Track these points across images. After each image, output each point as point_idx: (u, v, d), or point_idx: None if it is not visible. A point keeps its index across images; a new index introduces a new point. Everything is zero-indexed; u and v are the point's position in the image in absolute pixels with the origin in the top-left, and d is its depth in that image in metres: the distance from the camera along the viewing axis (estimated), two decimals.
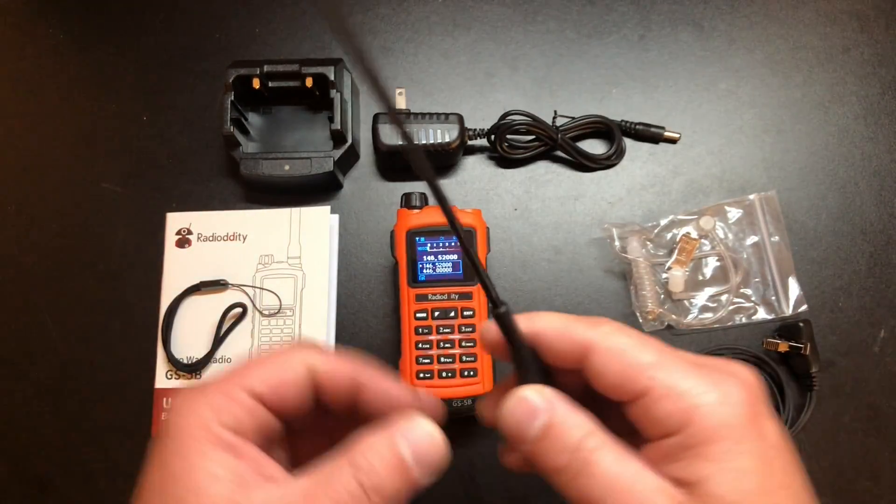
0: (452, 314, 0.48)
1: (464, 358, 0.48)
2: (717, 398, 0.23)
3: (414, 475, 0.25)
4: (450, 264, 0.49)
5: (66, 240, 0.57)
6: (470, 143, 0.57)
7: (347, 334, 0.54)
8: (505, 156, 0.56)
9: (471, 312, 0.48)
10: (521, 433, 0.25)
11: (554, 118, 0.57)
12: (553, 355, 0.27)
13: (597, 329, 0.26)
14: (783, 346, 0.52)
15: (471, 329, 0.48)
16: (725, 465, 0.22)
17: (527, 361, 0.27)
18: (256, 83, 0.54)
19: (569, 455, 0.24)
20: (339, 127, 0.53)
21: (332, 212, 0.56)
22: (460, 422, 0.52)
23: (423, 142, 0.54)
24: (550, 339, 0.27)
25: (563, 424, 0.25)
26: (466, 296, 0.49)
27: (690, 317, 0.54)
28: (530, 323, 0.27)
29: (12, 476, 0.53)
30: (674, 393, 0.24)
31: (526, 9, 0.61)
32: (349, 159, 0.57)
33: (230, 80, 0.53)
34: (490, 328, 0.28)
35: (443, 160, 0.56)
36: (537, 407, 0.25)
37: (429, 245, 0.50)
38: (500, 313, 0.27)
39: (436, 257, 0.49)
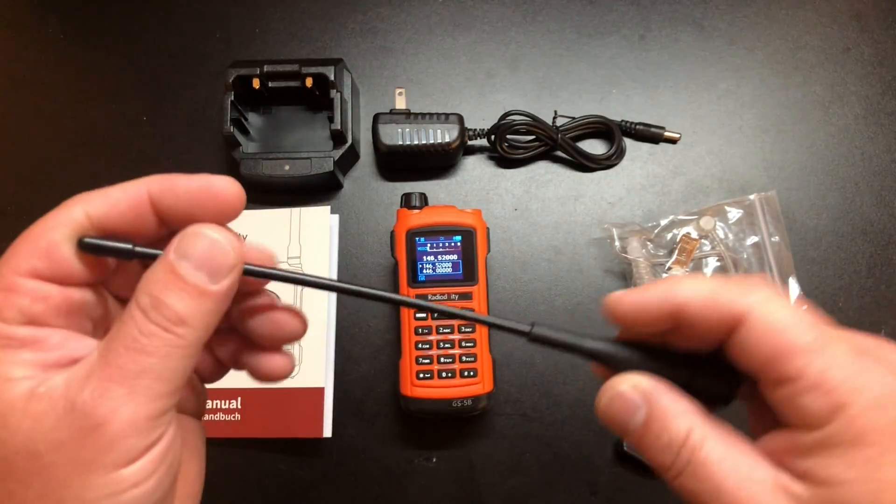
0: None
1: (463, 358, 0.48)
2: (874, 399, 0.21)
3: (203, 286, 0.22)
4: (449, 265, 0.49)
5: None
6: (470, 143, 0.57)
7: (347, 334, 0.54)
8: (505, 156, 0.56)
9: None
10: (621, 429, 0.24)
11: (554, 118, 0.57)
12: (692, 330, 0.24)
13: (752, 295, 0.22)
14: None
15: (471, 329, 0.48)
16: (868, 473, 0.20)
17: (613, 348, 0.25)
18: (256, 83, 0.54)
19: (674, 452, 0.23)
20: (339, 127, 0.53)
21: (332, 212, 0.56)
22: (460, 422, 0.52)
23: (423, 142, 0.54)
24: (695, 311, 0.23)
25: (664, 420, 0.23)
26: (466, 296, 0.49)
27: None
28: (669, 294, 0.24)
29: None
30: (827, 385, 0.21)
31: (526, 9, 0.61)
32: (349, 159, 0.57)
33: (230, 80, 0.53)
34: (619, 301, 0.25)
35: (443, 160, 0.56)
36: (634, 402, 0.24)
37: (429, 245, 0.50)
38: (536, 335, 0.25)
39: (435, 257, 0.49)
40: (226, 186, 0.26)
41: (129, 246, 0.23)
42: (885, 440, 0.21)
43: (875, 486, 0.20)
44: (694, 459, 0.23)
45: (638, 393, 0.24)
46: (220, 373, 0.30)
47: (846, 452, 0.21)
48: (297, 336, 0.28)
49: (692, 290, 0.23)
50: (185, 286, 0.22)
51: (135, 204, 0.24)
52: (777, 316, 0.22)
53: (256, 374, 0.28)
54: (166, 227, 0.25)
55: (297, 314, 0.28)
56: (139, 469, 0.21)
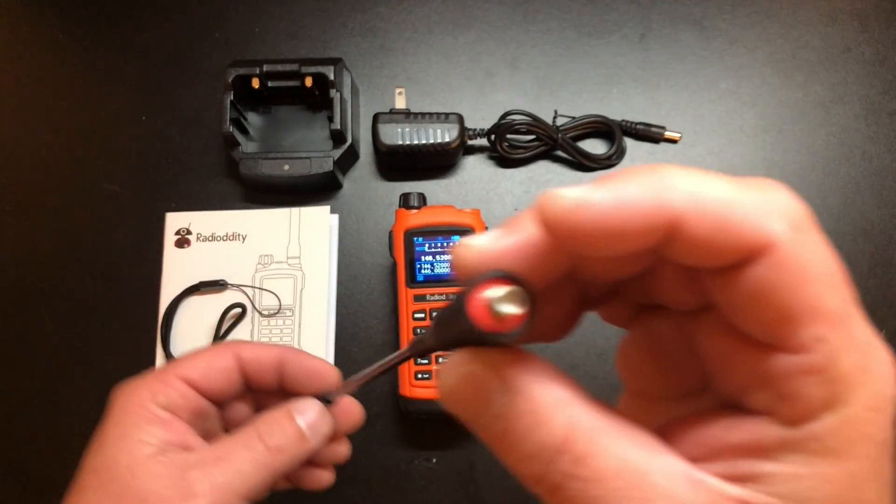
0: None
1: None
2: (871, 400, 0.16)
3: (308, 439, 0.32)
4: (448, 265, 0.49)
5: (65, 240, 0.56)
6: (470, 142, 0.56)
7: (347, 334, 0.54)
8: (505, 156, 0.56)
9: None
10: (472, 426, 0.18)
11: (554, 118, 0.57)
12: (674, 256, 0.16)
13: (778, 219, 0.15)
14: None
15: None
16: (848, 494, 0.16)
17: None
18: (256, 83, 0.54)
19: (545, 460, 0.17)
20: (338, 127, 0.53)
21: (332, 212, 0.56)
22: (460, 422, 0.52)
23: (423, 141, 0.54)
24: (695, 231, 0.15)
25: (532, 414, 0.17)
26: None
27: None
28: (661, 198, 0.15)
29: (9, 477, 0.52)
30: (835, 372, 0.15)
31: (526, 8, 0.61)
32: (349, 159, 0.57)
33: (229, 80, 0.53)
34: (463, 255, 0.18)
35: (443, 160, 0.56)
36: (487, 387, 0.17)
37: (427, 245, 0.49)
38: (422, 347, 0.21)
39: (434, 258, 0.49)
40: (330, 374, 0.36)
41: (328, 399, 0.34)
42: (873, 455, 0.16)
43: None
44: (577, 471, 0.16)
45: (494, 373, 0.17)
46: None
47: (827, 462, 0.16)
48: (345, 458, 0.38)
49: (694, 196, 0.15)
50: (300, 437, 0.32)
51: (269, 366, 0.35)
52: (808, 258, 0.15)
53: (301, 484, 0.37)
54: (252, 383, 0.35)
55: (348, 443, 0.38)
56: None
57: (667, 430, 0.18)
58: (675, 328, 0.20)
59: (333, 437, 0.35)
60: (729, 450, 0.16)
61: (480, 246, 0.17)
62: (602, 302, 0.21)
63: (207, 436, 0.34)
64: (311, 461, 0.36)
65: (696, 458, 0.17)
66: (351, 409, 0.36)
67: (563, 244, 0.16)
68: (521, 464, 0.17)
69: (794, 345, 0.15)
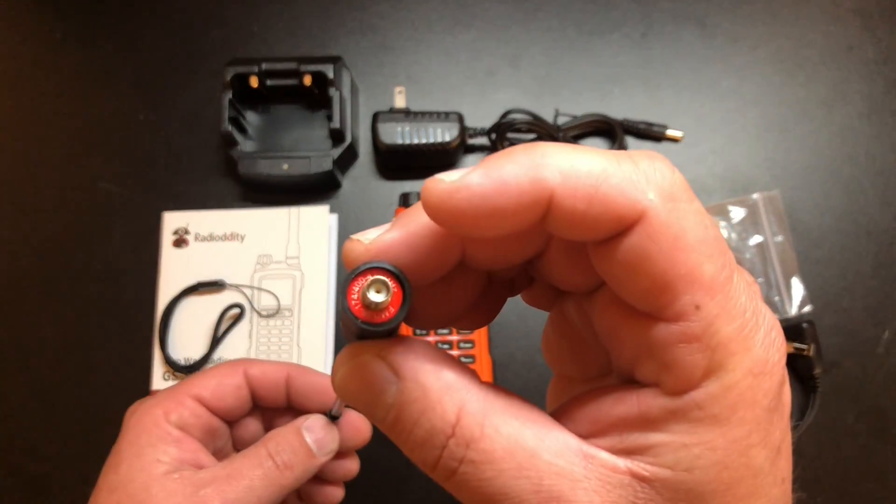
0: None
1: (462, 359, 0.47)
2: (751, 366, 0.16)
3: (315, 455, 0.33)
4: None
5: (63, 239, 0.56)
6: (470, 141, 0.56)
7: None
8: None
9: None
10: (369, 417, 0.18)
11: (555, 117, 0.56)
12: (552, 230, 0.16)
13: (650, 188, 0.15)
14: (787, 348, 0.51)
15: (468, 330, 0.48)
16: (732, 459, 0.16)
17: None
18: (255, 81, 0.53)
19: (438, 446, 0.16)
20: (338, 126, 0.53)
21: (331, 211, 0.56)
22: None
23: (423, 141, 0.53)
24: (567, 205, 0.15)
25: (422, 401, 0.16)
26: None
27: None
28: (536, 174, 0.15)
29: (7, 477, 0.52)
30: (715, 339, 0.15)
31: (527, 7, 0.60)
32: (348, 158, 0.56)
33: (228, 79, 0.53)
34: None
35: (443, 159, 0.56)
36: (380, 378, 0.17)
37: None
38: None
39: None
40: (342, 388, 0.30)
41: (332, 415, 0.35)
42: (758, 419, 0.16)
43: (735, 475, 0.16)
44: (468, 455, 0.16)
45: (383, 363, 0.17)
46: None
47: (710, 429, 0.16)
48: (353, 474, 0.39)
49: (566, 172, 0.15)
50: (307, 453, 0.33)
51: (277, 383, 0.36)
52: (682, 225, 0.15)
53: (313, 501, 0.38)
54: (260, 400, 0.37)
55: (356, 459, 0.39)
56: None
57: (563, 409, 0.18)
58: (579, 310, 0.20)
59: (342, 454, 0.36)
60: (619, 424, 0.16)
61: (367, 240, 0.17)
62: (522, 287, 0.22)
63: (219, 453, 0.36)
64: (321, 478, 0.37)
65: (588, 434, 0.17)
66: (358, 425, 0.36)
67: (447, 227, 0.16)
68: (416, 451, 0.17)
69: (672, 313, 0.15)
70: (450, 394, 0.17)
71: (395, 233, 0.17)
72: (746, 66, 0.59)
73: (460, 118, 0.54)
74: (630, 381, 0.17)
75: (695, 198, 0.16)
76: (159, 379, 0.52)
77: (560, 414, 0.18)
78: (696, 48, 0.59)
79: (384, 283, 0.16)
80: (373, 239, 0.17)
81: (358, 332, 0.17)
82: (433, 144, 0.53)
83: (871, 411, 0.52)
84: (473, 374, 0.17)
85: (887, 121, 0.57)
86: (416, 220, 0.17)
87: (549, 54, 0.59)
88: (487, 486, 0.16)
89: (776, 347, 0.16)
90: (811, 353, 0.50)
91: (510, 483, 0.16)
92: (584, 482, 0.16)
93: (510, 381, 0.52)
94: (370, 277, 0.16)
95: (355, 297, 0.16)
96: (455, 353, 0.47)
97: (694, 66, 0.59)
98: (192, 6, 0.61)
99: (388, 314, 0.16)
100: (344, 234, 0.56)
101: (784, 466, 0.17)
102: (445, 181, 0.16)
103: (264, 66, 0.53)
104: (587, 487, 0.16)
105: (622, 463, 0.16)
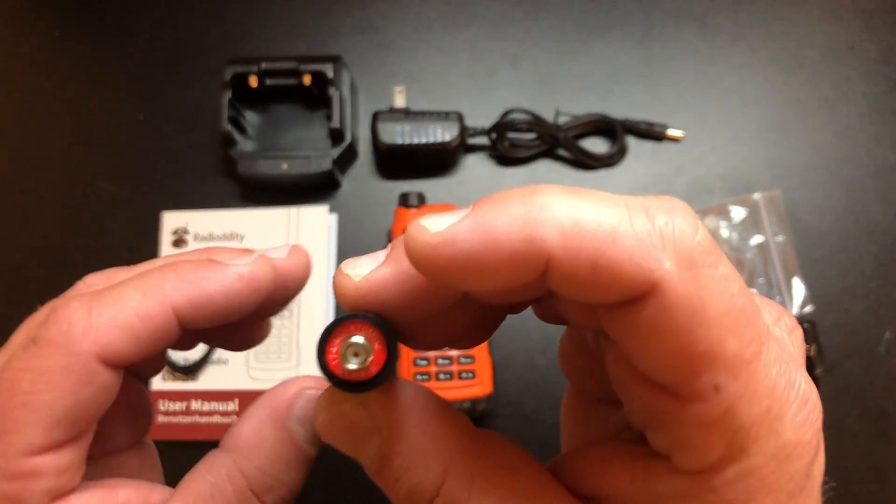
0: None
1: (461, 360, 0.47)
2: (776, 450, 0.15)
3: (309, 453, 0.21)
4: None
5: (62, 239, 0.56)
6: (470, 141, 0.56)
7: None
8: (506, 154, 0.56)
9: None
10: (352, 456, 0.17)
11: (555, 116, 0.56)
12: (554, 290, 0.15)
13: (667, 255, 0.13)
14: None
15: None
16: None
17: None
18: (254, 81, 0.53)
19: (425, 503, 0.16)
20: (337, 125, 0.53)
21: (331, 211, 0.55)
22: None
23: (423, 140, 0.53)
24: (566, 269, 0.14)
25: (407, 456, 0.16)
26: None
27: None
28: (531, 230, 0.13)
29: None
30: (736, 422, 0.14)
31: (527, 6, 0.60)
32: (348, 158, 0.56)
33: (227, 78, 0.53)
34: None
35: (443, 159, 0.56)
36: (362, 427, 0.16)
37: None
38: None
39: None
40: (265, 272, 0.21)
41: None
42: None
43: None
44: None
45: (365, 413, 0.16)
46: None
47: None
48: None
49: (567, 232, 0.13)
50: (301, 458, 0.20)
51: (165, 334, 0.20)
52: (702, 297, 0.13)
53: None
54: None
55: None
56: None
57: (566, 463, 0.17)
58: (595, 338, 0.19)
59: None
60: (625, 494, 0.15)
61: (357, 277, 0.16)
62: (527, 306, 0.20)
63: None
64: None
65: (590, 497, 0.16)
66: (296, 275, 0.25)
67: (433, 281, 0.15)
68: (400, 502, 0.16)
69: (689, 392, 0.14)
70: (436, 450, 0.15)
71: (386, 269, 0.16)
72: (747, 65, 0.58)
73: (460, 118, 0.54)
74: (643, 438, 0.16)
75: (721, 259, 0.14)
76: (158, 380, 0.52)
77: (562, 468, 0.17)
78: (697, 47, 0.59)
79: (363, 346, 0.15)
80: (364, 276, 0.16)
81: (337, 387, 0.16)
82: (433, 144, 0.53)
83: (872, 411, 0.52)
84: (464, 423, 0.16)
85: (889, 120, 0.57)
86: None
87: (549, 53, 0.59)
88: None
89: (809, 424, 0.15)
90: (812, 353, 0.50)
91: None
92: None
93: (510, 382, 0.52)
94: (349, 339, 0.15)
95: (334, 350, 0.15)
96: (454, 354, 0.47)
97: (695, 66, 0.59)
98: (190, 5, 0.61)
99: (370, 372, 0.15)
100: (343, 234, 0.56)
101: None
102: (430, 232, 0.14)
103: (264, 65, 0.53)
104: None
105: None
